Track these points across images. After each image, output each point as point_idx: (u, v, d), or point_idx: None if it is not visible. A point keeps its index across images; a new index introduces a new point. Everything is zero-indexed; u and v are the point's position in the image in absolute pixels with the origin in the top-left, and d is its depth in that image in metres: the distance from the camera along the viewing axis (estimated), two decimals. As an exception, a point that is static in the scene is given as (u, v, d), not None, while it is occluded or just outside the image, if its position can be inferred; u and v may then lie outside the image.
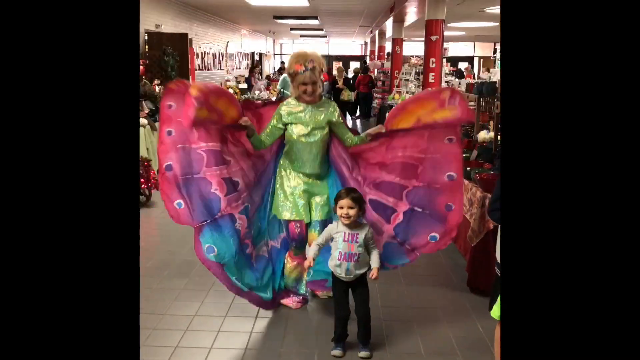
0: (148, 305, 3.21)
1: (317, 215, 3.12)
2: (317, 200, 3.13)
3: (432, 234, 2.88)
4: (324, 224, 3.10)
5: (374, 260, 2.69)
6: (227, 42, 14.92)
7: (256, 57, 19.20)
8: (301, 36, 21.45)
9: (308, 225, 3.16)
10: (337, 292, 2.76)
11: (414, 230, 2.91)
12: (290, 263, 3.26)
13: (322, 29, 18.45)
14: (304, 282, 3.31)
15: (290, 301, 3.26)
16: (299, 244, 3.19)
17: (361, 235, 2.68)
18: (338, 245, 2.69)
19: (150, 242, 4.53)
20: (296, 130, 3.01)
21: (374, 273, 2.66)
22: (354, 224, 2.70)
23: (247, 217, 3.00)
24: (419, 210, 2.91)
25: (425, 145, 2.88)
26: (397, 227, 2.93)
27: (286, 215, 3.10)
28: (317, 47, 26.69)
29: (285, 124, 3.05)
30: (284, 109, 3.06)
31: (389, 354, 2.73)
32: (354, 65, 20.88)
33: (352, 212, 2.66)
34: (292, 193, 3.09)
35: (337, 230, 2.71)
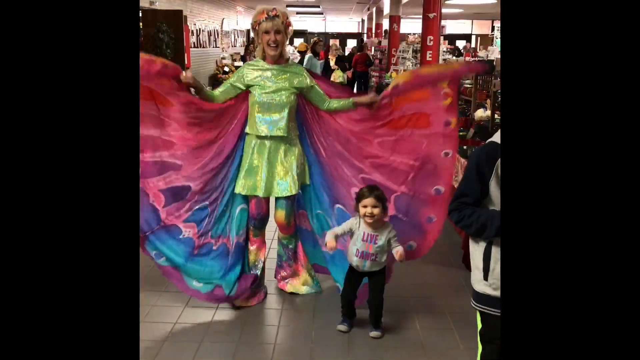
0: (147, 282, 3.24)
1: (281, 191, 2.90)
2: (282, 172, 2.89)
3: (410, 243, 2.85)
4: (291, 199, 2.96)
5: (397, 246, 2.63)
6: (223, 19, 14.73)
7: (252, 35, 18.99)
8: (297, 13, 21.20)
9: (276, 200, 2.98)
10: (349, 278, 2.75)
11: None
12: (249, 246, 3.06)
13: (318, 6, 18.23)
14: (260, 263, 3.09)
15: (254, 299, 3.06)
16: (258, 223, 2.99)
17: (381, 237, 2.60)
18: (356, 243, 2.63)
19: (148, 220, 4.53)
20: (259, 91, 2.82)
21: (399, 254, 2.59)
22: (377, 224, 2.62)
23: (200, 221, 2.91)
24: (402, 217, 2.86)
25: (422, 153, 2.81)
26: None
27: (241, 189, 2.91)
28: (314, 24, 26.43)
29: (248, 87, 2.86)
30: (247, 69, 2.90)
31: (386, 331, 2.76)
32: (351, 43, 20.67)
33: (376, 211, 2.56)
34: (253, 165, 2.88)
35: (359, 227, 2.63)
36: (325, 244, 2.70)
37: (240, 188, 2.91)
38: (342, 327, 2.75)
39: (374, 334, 2.71)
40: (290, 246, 3.15)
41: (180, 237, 2.89)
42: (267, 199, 2.97)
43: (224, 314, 2.93)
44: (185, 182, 2.87)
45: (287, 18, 2.89)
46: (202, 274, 2.93)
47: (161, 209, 2.84)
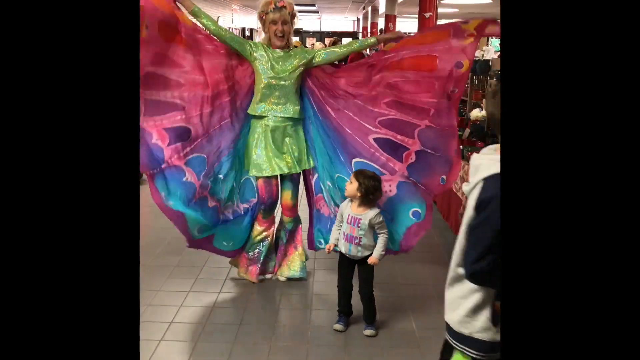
0: (142, 281, 3.21)
1: (288, 170, 3.01)
2: (287, 152, 3.02)
3: (442, 176, 2.87)
4: (297, 180, 3.10)
5: (377, 248, 2.66)
6: (218, 17, 14.69)
7: (247, 33, 18.98)
8: (293, 12, 21.19)
9: (282, 182, 3.10)
10: (340, 265, 2.78)
11: (427, 171, 2.89)
12: (257, 227, 3.16)
13: (314, 5, 18.22)
14: (264, 250, 3.19)
15: (252, 272, 3.20)
16: (268, 206, 3.10)
17: (364, 220, 2.62)
18: (343, 225, 2.71)
19: (143, 219, 4.49)
20: (265, 73, 2.93)
21: (372, 259, 2.64)
22: (361, 203, 2.65)
23: (199, 170, 2.94)
24: (431, 152, 2.88)
25: (437, 91, 2.82)
26: (410, 167, 2.92)
27: (253, 171, 3.02)
28: (309, 22, 26.40)
29: (253, 58, 2.95)
30: (260, 45, 3.00)
31: (382, 330, 2.77)
32: (346, 42, 20.60)
33: (348, 186, 2.67)
34: (261, 146, 2.99)
35: (346, 210, 2.71)
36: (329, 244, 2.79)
37: (254, 171, 3.01)
38: (338, 327, 2.75)
39: (368, 332, 2.71)
40: (291, 228, 3.23)
41: (184, 179, 2.92)
42: (276, 183, 3.08)
43: (220, 313, 2.93)
44: (184, 125, 2.91)
45: (294, 9, 3.01)
46: (199, 222, 3.00)
47: (165, 147, 2.86)
